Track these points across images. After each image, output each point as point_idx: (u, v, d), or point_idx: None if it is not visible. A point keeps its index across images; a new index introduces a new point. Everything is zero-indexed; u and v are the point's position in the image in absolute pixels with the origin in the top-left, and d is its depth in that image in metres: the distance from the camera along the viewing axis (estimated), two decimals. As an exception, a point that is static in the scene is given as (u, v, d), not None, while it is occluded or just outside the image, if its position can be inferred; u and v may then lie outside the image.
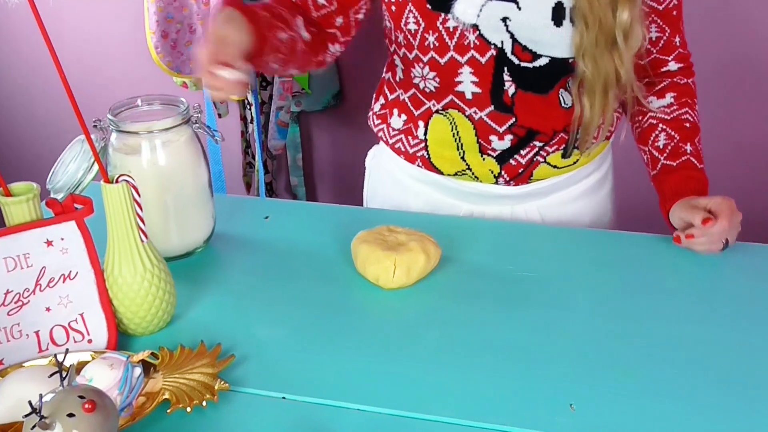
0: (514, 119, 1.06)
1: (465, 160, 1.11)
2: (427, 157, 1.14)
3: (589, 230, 1.14)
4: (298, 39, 1.03)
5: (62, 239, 0.81)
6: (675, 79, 1.12)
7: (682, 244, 1.01)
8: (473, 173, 1.12)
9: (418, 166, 1.16)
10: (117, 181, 0.80)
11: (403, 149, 1.16)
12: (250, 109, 2.08)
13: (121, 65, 2.34)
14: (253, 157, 2.19)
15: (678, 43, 1.11)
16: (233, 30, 0.90)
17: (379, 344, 0.85)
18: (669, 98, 1.11)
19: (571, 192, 1.17)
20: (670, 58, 1.12)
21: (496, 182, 1.12)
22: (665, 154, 1.09)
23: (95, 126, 0.94)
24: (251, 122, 2.11)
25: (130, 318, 0.84)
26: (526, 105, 1.05)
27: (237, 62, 0.87)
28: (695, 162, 1.08)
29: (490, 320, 0.89)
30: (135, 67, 2.27)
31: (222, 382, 0.77)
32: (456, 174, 1.13)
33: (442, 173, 1.14)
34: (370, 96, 2.25)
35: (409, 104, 1.13)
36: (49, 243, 0.80)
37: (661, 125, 1.10)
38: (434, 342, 0.85)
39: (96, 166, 0.91)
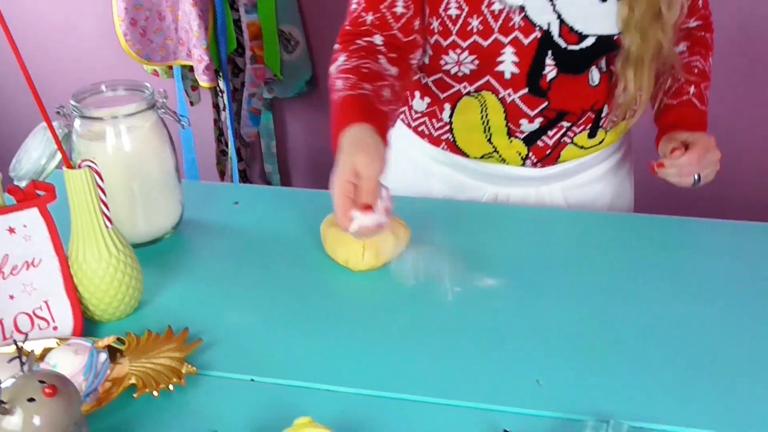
0: (547, 103, 1.05)
1: (492, 143, 1.10)
2: (452, 140, 1.12)
3: (564, 210, 1.14)
4: (394, 81, 0.98)
5: (25, 226, 0.80)
6: (692, 32, 1.13)
7: (656, 174, 1.03)
8: (500, 156, 1.11)
9: (443, 149, 1.14)
10: (79, 167, 0.79)
11: (427, 132, 1.15)
12: (222, 97, 2.07)
13: (90, 54, 2.31)
14: (227, 145, 2.17)
15: (701, 5, 1.13)
16: (369, 159, 0.84)
17: (349, 325, 0.85)
18: (682, 46, 1.12)
19: (594, 172, 1.17)
20: (691, 20, 1.12)
21: (524, 164, 1.11)
22: (669, 95, 1.10)
23: (58, 113, 0.92)
24: (224, 110, 2.10)
25: (95, 304, 0.83)
26: (561, 88, 1.04)
27: (377, 199, 0.84)
28: (697, 103, 1.08)
29: (460, 300, 0.89)
30: (104, 55, 2.25)
31: (189, 366, 0.76)
32: (483, 157, 1.12)
33: (468, 156, 1.13)
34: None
35: (433, 88, 1.11)
36: (11, 230, 0.79)
37: (669, 71, 1.09)
38: (404, 323, 0.85)
39: (60, 153, 0.90)
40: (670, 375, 0.77)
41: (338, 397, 0.76)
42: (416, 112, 1.15)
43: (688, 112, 1.08)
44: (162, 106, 0.95)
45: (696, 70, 1.10)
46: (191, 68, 2.00)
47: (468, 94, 1.07)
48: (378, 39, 1.01)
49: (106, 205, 0.81)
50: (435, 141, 1.14)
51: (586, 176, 1.16)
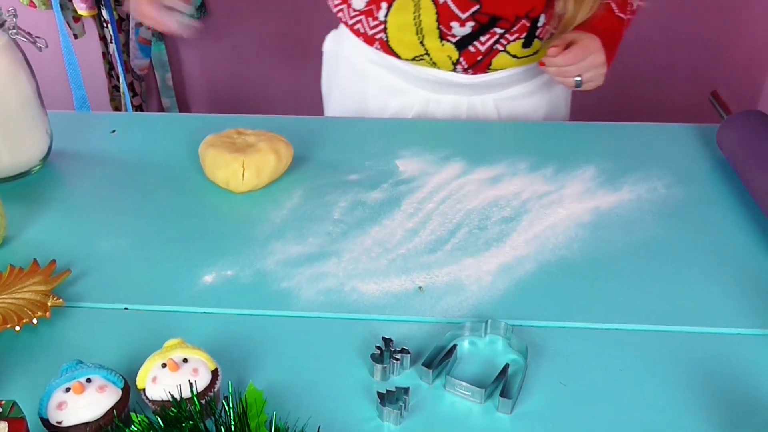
0: (478, 6, 1.03)
1: (423, 45, 1.08)
2: (385, 39, 1.10)
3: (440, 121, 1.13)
4: None
5: None
6: None
7: (542, 68, 1.05)
8: (431, 58, 1.09)
9: (377, 48, 1.12)
10: None
11: (362, 30, 1.12)
12: (107, 28, 1.96)
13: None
14: (119, 80, 2.07)
15: None
16: None
17: (230, 248, 0.82)
18: None
19: (528, 86, 1.15)
20: None
21: (454, 69, 1.10)
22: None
23: None
24: (111, 42, 1.98)
25: (-49, 242, 0.78)
26: None
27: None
28: (615, 7, 1.05)
29: (343, 217, 0.87)
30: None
31: (56, 299, 0.72)
32: (414, 59, 1.10)
33: (399, 57, 1.11)
34: (236, 3, 2.15)
35: None
36: None
37: None
38: (289, 242, 0.83)
39: None
40: (543, 275, 0.78)
41: (216, 318, 0.73)
42: (354, 10, 1.12)
43: (604, 16, 1.05)
44: (12, 27, 0.88)
45: None
46: (70, -3, 1.87)
47: None
48: None
49: (-51, 133, 0.75)
50: (369, 40, 1.12)
51: (520, 89, 1.15)
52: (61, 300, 0.73)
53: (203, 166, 0.93)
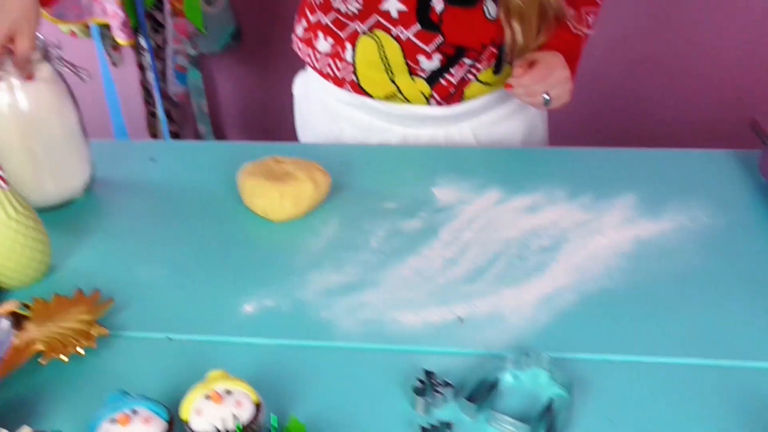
0: (441, 38, 1.03)
1: (395, 83, 1.08)
2: (356, 80, 1.10)
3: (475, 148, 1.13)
4: None
5: None
6: None
7: (508, 91, 1.03)
8: (404, 95, 1.09)
9: (348, 90, 1.12)
10: (-36, 125, 0.74)
11: (331, 74, 1.12)
12: (144, 55, 1.99)
13: None
14: (156, 107, 2.10)
15: None
16: (22, 20, 0.82)
17: (269, 277, 0.83)
18: None
19: (503, 110, 1.15)
20: None
21: (428, 103, 1.10)
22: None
23: (-56, 71, 0.86)
24: (148, 69, 2.02)
25: (-2, 271, 0.79)
26: (454, 20, 1.02)
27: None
28: (571, 25, 1.05)
29: (381, 246, 0.87)
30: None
31: (100, 328, 0.73)
32: (386, 97, 1.10)
33: (372, 97, 1.11)
34: (270, 32, 2.17)
35: (332, 27, 1.08)
36: None
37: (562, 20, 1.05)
38: (327, 271, 0.83)
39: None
40: (585, 306, 0.77)
41: (257, 349, 0.74)
42: (320, 53, 1.12)
43: (556, 34, 1.05)
44: (57, 58, 0.90)
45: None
46: (109, 26, 1.91)
47: (364, 33, 1.06)
48: None
49: (-2, 165, 0.76)
50: (339, 82, 1.12)
51: (495, 114, 1.15)
52: (105, 329, 0.73)
53: (242, 195, 0.94)
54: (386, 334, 0.74)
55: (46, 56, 0.88)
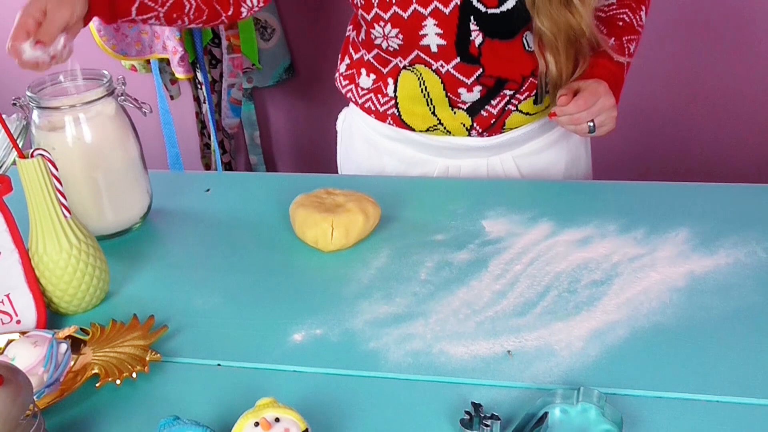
0: (481, 70, 1.05)
1: (436, 115, 1.09)
2: (397, 114, 1.12)
3: (516, 181, 1.13)
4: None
5: (-18, 220, 0.78)
6: None
7: (552, 120, 1.02)
8: (445, 128, 1.10)
9: (390, 124, 1.14)
10: (32, 156, 0.77)
11: (373, 108, 1.14)
12: (201, 89, 2.05)
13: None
14: (210, 138, 2.16)
15: None
16: (58, 3, 0.85)
17: (318, 306, 0.84)
18: None
19: (545, 139, 1.16)
20: None
21: (469, 134, 1.11)
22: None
23: (14, 104, 0.91)
24: (204, 102, 2.08)
25: (59, 296, 0.82)
26: (493, 53, 1.03)
27: (50, 38, 0.85)
28: (613, 54, 1.04)
29: (430, 277, 0.88)
30: (79, 52, 2.22)
31: (153, 354, 0.75)
32: (428, 130, 1.12)
33: (414, 130, 1.12)
34: (322, 66, 2.22)
35: (375, 63, 1.11)
36: (-32, 225, 0.78)
37: (595, 22, 1.04)
38: (376, 301, 0.84)
39: (17, 146, 0.88)
40: (637, 341, 0.76)
41: (305, 377, 0.74)
42: (362, 89, 1.15)
43: (600, 63, 1.04)
44: (121, 93, 0.94)
45: (621, 23, 1.07)
46: (168, 62, 1.98)
47: (405, 68, 1.07)
48: None
49: (62, 194, 0.80)
50: (381, 116, 1.14)
51: (537, 144, 1.15)
52: (158, 355, 0.75)
53: (293, 225, 0.96)
54: (434, 365, 0.74)
55: (112, 92, 0.92)
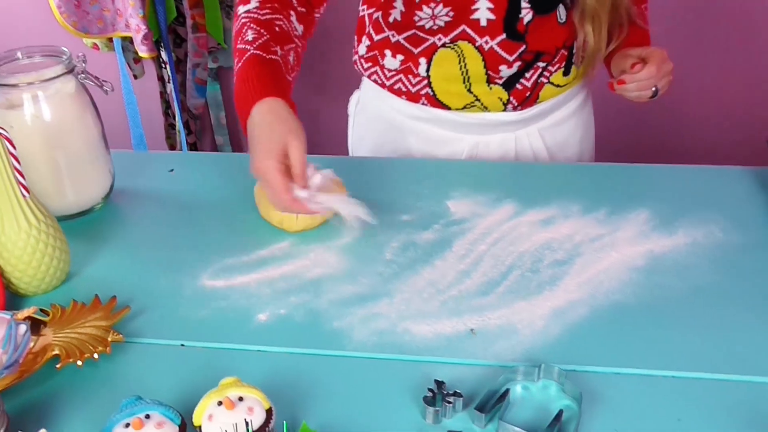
0: (524, 47, 1.06)
1: (472, 92, 1.09)
2: (432, 94, 1.11)
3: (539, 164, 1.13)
4: (298, 42, 0.97)
5: (-63, 199, 0.77)
6: None
7: (615, 91, 1.06)
8: (482, 104, 1.11)
9: (423, 104, 1.13)
10: (-12, 134, 0.76)
11: (404, 89, 1.13)
12: (165, 68, 2.02)
13: (23, 28, 2.22)
14: (175, 118, 2.13)
15: None
16: (298, 142, 0.84)
17: (283, 286, 0.84)
18: None
19: (566, 110, 1.18)
20: None
21: (505, 109, 1.11)
22: None
23: (-30, 81, 0.89)
24: (168, 81, 2.05)
25: (18, 277, 0.81)
26: (537, 29, 1.05)
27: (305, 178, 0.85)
28: (639, 22, 1.09)
29: (395, 257, 0.88)
30: (37, 29, 2.16)
31: (115, 334, 0.74)
32: (465, 107, 1.12)
33: (449, 108, 1.12)
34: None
35: (405, 44, 1.10)
36: None
37: (627, 22, 1.09)
38: (341, 281, 0.84)
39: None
40: (597, 319, 0.77)
41: (270, 357, 0.74)
42: (389, 71, 1.13)
43: (637, 31, 1.10)
44: (82, 71, 0.92)
45: None
46: (131, 40, 1.94)
47: (444, 45, 1.07)
48: (292, 11, 0.98)
49: (20, 173, 0.78)
50: (413, 97, 1.13)
51: (560, 114, 1.17)
52: (120, 335, 0.75)
53: (258, 206, 0.95)
54: (398, 344, 0.75)
55: (71, 70, 0.90)
